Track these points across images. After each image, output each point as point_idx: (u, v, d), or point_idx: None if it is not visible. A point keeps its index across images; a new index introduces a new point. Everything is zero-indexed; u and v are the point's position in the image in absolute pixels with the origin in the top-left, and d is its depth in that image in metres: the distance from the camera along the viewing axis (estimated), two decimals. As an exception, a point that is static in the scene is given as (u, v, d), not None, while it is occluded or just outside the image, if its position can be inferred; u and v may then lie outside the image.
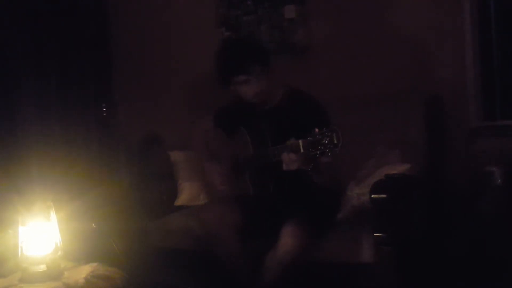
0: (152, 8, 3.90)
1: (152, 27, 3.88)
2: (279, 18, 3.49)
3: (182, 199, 3.33)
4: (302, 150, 2.23)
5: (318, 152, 2.18)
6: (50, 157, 3.14)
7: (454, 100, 3.11)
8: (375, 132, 2.96)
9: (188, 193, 3.32)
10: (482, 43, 3.13)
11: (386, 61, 3.25)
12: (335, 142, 2.14)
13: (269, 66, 2.60)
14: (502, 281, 2.54)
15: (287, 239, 2.39)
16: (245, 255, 2.51)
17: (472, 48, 3.10)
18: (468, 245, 2.77)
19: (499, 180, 2.77)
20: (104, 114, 3.41)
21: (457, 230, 2.86)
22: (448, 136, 3.10)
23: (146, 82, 3.91)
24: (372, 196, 2.43)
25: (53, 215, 2.09)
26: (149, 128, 3.64)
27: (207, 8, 3.72)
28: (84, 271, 2.08)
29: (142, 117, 3.80)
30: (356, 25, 3.34)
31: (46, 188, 2.33)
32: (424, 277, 2.66)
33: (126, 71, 3.95)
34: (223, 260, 2.51)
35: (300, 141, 2.23)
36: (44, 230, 2.08)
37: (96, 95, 3.71)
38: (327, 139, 2.15)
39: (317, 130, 2.18)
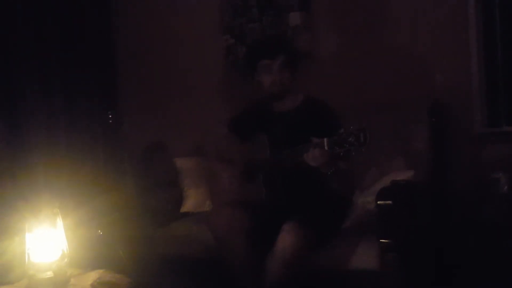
0: (157, 16, 3.92)
1: (158, 34, 3.90)
2: (284, 26, 3.50)
3: (187, 206, 3.33)
4: (326, 148, 2.25)
5: (342, 151, 2.19)
6: (56, 164, 3.15)
7: (458, 106, 3.11)
8: (380, 139, 2.95)
9: (193, 200, 3.33)
10: (487, 50, 3.13)
11: (391, 68, 3.26)
12: (362, 140, 2.15)
13: (293, 60, 2.66)
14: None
15: (285, 235, 2.37)
16: (253, 259, 2.50)
17: (476, 55, 3.11)
18: (473, 252, 2.76)
19: (505, 187, 2.77)
20: (110, 122, 3.43)
21: (462, 236, 2.86)
22: (453, 143, 3.10)
23: (152, 90, 3.93)
24: (378, 202, 2.43)
25: (59, 222, 2.10)
26: (155, 135, 3.65)
27: (212, 16, 3.74)
28: (90, 278, 2.08)
29: (148, 124, 3.81)
30: (360, 33, 3.35)
31: (53, 195, 2.35)
32: (430, 284, 2.66)
33: (132, 78, 3.97)
34: (230, 264, 2.50)
35: (325, 139, 2.26)
36: (50, 237, 2.08)
37: (102, 102, 3.72)
38: (354, 137, 2.17)
39: (342, 129, 2.19)
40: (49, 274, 2.04)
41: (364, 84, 3.30)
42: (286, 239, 2.36)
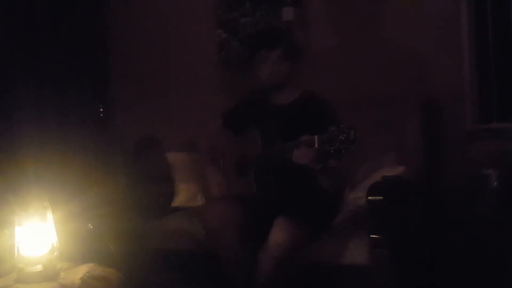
0: (150, 10, 3.90)
1: (151, 28, 3.89)
2: (277, 20, 3.50)
3: (179, 200, 3.33)
4: (316, 145, 2.25)
5: (332, 149, 2.20)
6: (46, 157, 3.14)
7: (450, 103, 3.12)
8: (371, 135, 2.96)
9: (185, 194, 3.32)
10: (479, 46, 3.14)
11: (383, 64, 3.26)
12: (352, 138, 2.15)
13: (291, 53, 2.65)
14: (500, 284, 2.55)
15: (278, 231, 2.38)
16: (245, 254, 2.50)
17: (469, 52, 3.11)
18: (464, 248, 2.77)
19: (495, 183, 2.78)
20: (101, 115, 3.41)
21: (453, 233, 2.87)
22: (444, 139, 3.11)
23: (144, 83, 3.91)
24: (369, 198, 2.44)
25: (49, 216, 2.09)
26: (146, 129, 3.64)
27: (205, 10, 3.72)
28: (80, 272, 2.07)
29: (139, 118, 3.80)
30: (354, 29, 3.35)
31: (43, 189, 2.33)
32: (420, 280, 2.67)
33: (124, 72, 3.95)
34: (222, 260, 2.50)
35: (316, 136, 2.26)
36: (40, 231, 2.07)
37: (93, 95, 3.71)
38: (344, 135, 2.17)
39: (333, 127, 2.20)
40: (39, 267, 2.03)
41: (357, 80, 3.31)
42: (278, 234, 2.37)
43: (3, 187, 2.66)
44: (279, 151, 2.48)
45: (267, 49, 2.63)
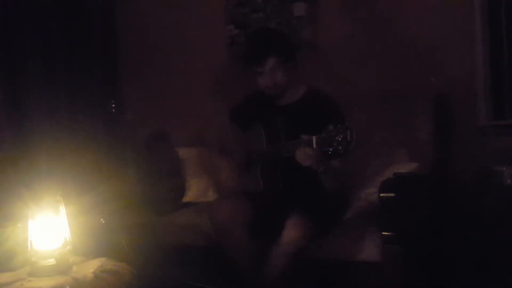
0: (160, 5, 3.90)
1: (161, 23, 3.89)
2: (288, 16, 3.48)
3: (190, 195, 3.34)
4: (315, 146, 2.25)
5: (330, 149, 2.19)
6: (59, 152, 3.15)
7: (463, 99, 3.10)
8: (383, 130, 2.96)
9: (196, 189, 3.33)
10: (492, 42, 3.12)
11: (395, 59, 3.25)
12: (349, 139, 2.15)
13: (287, 60, 2.61)
14: (509, 280, 2.53)
15: (291, 230, 2.38)
16: (253, 251, 2.51)
17: (482, 47, 3.09)
18: (476, 245, 2.76)
19: (508, 180, 2.76)
20: (113, 110, 3.42)
21: (465, 229, 2.85)
22: (457, 135, 3.09)
23: (155, 79, 3.92)
24: (381, 195, 2.43)
25: (62, 210, 2.10)
26: (157, 125, 3.65)
27: (216, 5, 3.72)
28: (92, 266, 2.08)
29: (151, 113, 3.81)
30: (366, 24, 3.33)
31: (55, 183, 2.34)
32: (431, 276, 2.66)
33: (135, 67, 3.96)
34: (231, 255, 2.52)
35: (314, 137, 2.26)
36: (53, 225, 2.08)
37: (105, 91, 3.72)
38: (341, 135, 2.16)
39: (331, 127, 2.19)
40: (52, 261, 2.04)
41: (369, 75, 3.29)
42: (292, 232, 2.38)
43: (16, 181, 2.67)
44: (282, 149, 2.49)
45: (257, 65, 2.59)
